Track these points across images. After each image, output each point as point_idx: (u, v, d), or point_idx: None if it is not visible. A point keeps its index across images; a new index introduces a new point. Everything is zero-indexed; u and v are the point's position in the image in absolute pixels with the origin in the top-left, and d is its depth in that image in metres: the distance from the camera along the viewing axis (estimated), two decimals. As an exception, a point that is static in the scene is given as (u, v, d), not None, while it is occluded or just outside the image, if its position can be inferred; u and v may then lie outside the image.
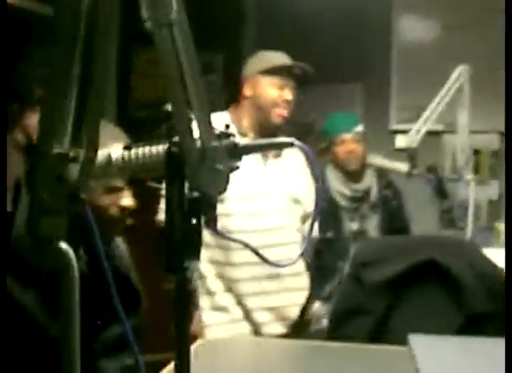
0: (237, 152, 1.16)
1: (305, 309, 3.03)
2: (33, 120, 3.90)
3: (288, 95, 2.87)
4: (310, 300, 3.06)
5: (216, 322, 2.80)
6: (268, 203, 2.86)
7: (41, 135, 0.97)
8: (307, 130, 4.79)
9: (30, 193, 0.97)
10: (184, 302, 1.25)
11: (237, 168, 1.19)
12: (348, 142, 3.83)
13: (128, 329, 1.07)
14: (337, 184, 3.85)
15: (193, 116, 1.11)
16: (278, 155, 2.93)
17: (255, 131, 2.87)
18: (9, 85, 4.00)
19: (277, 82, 2.86)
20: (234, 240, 1.27)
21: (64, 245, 0.96)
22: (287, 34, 4.91)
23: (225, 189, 1.15)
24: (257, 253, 1.22)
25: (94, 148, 0.97)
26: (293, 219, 2.96)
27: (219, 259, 2.78)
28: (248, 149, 1.20)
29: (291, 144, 1.22)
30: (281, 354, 2.28)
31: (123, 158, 1.19)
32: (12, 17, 4.60)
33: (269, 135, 2.64)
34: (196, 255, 1.21)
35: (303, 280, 3.01)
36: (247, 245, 1.22)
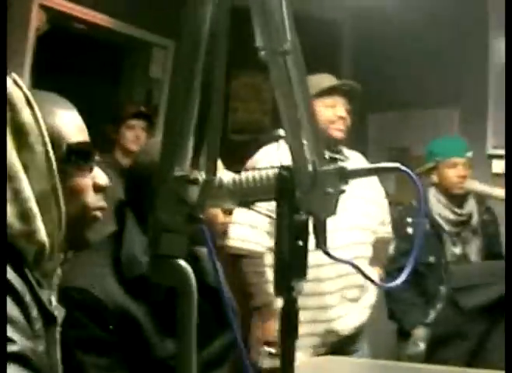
0: (346, 176, 1.19)
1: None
2: (129, 136, 4.01)
3: (341, 111, 3.06)
4: None
5: None
6: (343, 220, 2.88)
7: (163, 159, 1.02)
8: (404, 154, 4.78)
9: (151, 212, 1.02)
10: (290, 321, 1.28)
11: (344, 191, 1.22)
12: (460, 166, 3.84)
13: (240, 342, 1.10)
14: (440, 208, 3.83)
15: (304, 140, 1.14)
16: None
17: None
18: (104, 107, 4.13)
19: (328, 102, 3.05)
20: (345, 262, 1.30)
21: (183, 263, 1.00)
22: (385, 56, 4.92)
23: (334, 212, 1.18)
24: (364, 274, 1.24)
25: (213, 171, 1.02)
26: (365, 234, 3.10)
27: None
28: (356, 173, 1.23)
29: (397, 169, 1.25)
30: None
31: (234, 182, 1.22)
32: (107, 39, 4.74)
33: (334, 150, 2.72)
34: (302, 275, 1.24)
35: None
36: (357, 268, 1.25)
